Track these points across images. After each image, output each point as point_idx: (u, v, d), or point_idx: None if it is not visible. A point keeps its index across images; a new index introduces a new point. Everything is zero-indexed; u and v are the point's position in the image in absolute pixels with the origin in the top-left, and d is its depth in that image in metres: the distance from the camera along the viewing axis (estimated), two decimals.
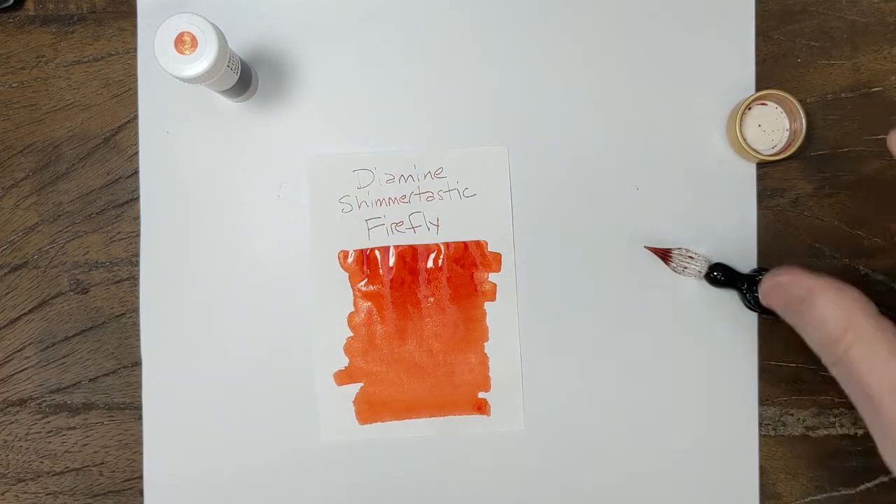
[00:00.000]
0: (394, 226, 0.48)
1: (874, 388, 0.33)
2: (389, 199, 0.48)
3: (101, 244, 0.49)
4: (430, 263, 0.48)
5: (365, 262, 0.48)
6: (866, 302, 0.35)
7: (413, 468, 0.48)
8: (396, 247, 0.48)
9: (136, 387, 0.48)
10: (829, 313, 0.34)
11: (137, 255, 0.48)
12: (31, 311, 0.49)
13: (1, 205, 0.49)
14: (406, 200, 0.48)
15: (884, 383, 0.33)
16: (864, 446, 0.48)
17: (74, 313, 0.49)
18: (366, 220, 0.48)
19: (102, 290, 0.49)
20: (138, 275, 0.48)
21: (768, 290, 0.38)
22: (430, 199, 0.48)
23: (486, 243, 0.48)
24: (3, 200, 0.49)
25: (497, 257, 0.48)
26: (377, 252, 0.48)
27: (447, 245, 0.48)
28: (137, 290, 0.48)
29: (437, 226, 0.48)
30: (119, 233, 0.49)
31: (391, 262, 0.48)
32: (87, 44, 0.49)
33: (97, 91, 0.49)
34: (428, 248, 0.48)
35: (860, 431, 0.48)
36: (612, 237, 0.48)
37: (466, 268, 0.48)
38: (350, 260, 0.48)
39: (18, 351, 0.49)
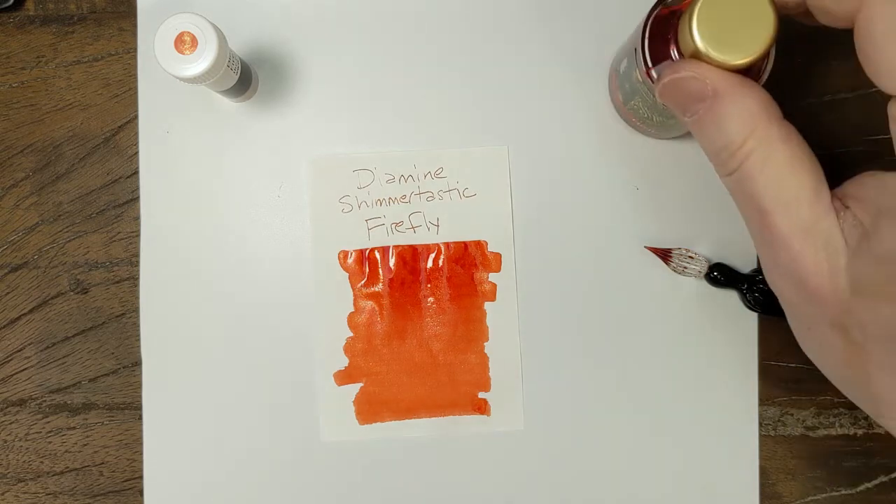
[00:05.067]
0: (394, 226, 0.48)
1: (768, 202, 0.30)
2: (389, 199, 0.48)
3: (101, 244, 0.49)
4: (430, 263, 0.48)
5: (365, 263, 0.48)
6: (773, 105, 0.30)
7: (413, 468, 0.48)
8: (396, 247, 0.48)
9: (136, 387, 0.48)
10: (733, 117, 0.30)
11: (137, 255, 0.48)
12: (31, 311, 0.49)
13: (1, 205, 0.49)
14: (406, 200, 0.48)
15: (779, 198, 0.30)
16: (864, 446, 0.48)
17: (74, 313, 0.49)
18: (366, 220, 0.48)
19: (102, 290, 0.49)
20: (138, 275, 0.48)
21: (666, 87, 0.32)
22: (430, 199, 0.48)
23: (486, 243, 0.48)
24: (3, 200, 0.49)
25: (497, 257, 0.48)
26: (377, 252, 0.48)
27: (447, 245, 0.48)
28: (137, 290, 0.48)
29: (437, 226, 0.48)
30: (119, 233, 0.49)
31: (391, 262, 0.48)
32: (87, 44, 0.49)
33: (97, 91, 0.49)
34: (428, 249, 0.48)
35: (860, 431, 0.48)
36: (612, 237, 0.48)
37: (466, 268, 0.48)
38: (350, 260, 0.48)
39: (18, 351, 0.49)
